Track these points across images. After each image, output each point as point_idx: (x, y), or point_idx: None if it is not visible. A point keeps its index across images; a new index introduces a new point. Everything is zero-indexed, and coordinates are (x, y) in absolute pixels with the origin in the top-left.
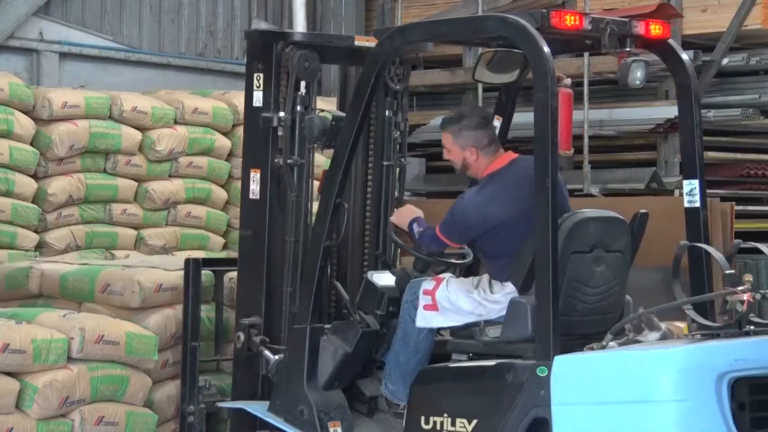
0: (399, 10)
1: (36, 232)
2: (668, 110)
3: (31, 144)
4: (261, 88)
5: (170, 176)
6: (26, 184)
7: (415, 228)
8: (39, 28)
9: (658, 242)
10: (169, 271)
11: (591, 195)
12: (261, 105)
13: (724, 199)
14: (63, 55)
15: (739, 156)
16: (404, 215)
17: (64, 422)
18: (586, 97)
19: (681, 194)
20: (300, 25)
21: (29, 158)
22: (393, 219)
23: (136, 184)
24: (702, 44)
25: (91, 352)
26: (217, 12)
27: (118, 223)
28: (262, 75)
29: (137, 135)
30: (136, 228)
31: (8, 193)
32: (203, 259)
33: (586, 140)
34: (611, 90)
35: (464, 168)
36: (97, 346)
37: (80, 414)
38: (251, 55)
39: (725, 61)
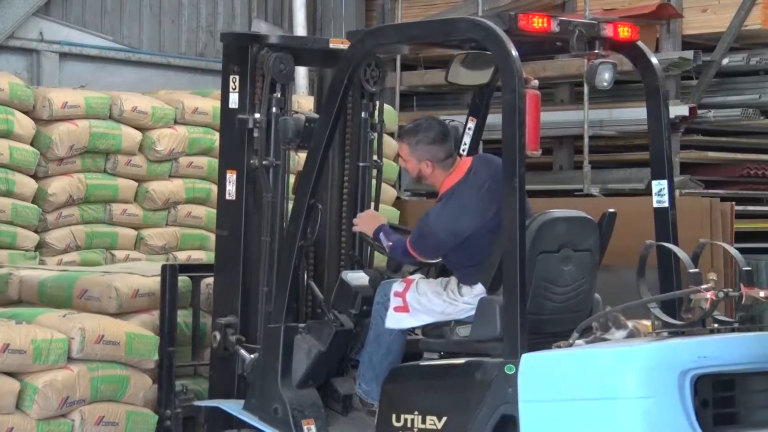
0: (399, 10)
1: (36, 232)
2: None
3: (32, 144)
4: (237, 90)
5: (170, 176)
6: (26, 184)
7: (384, 240)
8: (39, 28)
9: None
10: (147, 276)
11: (591, 195)
12: (237, 107)
13: (724, 199)
14: (63, 55)
15: (739, 156)
16: (368, 223)
17: (64, 422)
18: (586, 97)
19: (681, 194)
20: (300, 25)
21: (29, 158)
22: (357, 228)
23: (136, 184)
24: (702, 44)
25: (91, 352)
26: (217, 12)
27: (119, 223)
28: (237, 77)
29: (137, 135)
30: (136, 228)
31: (8, 193)
32: (180, 265)
33: (586, 140)
34: (611, 90)
35: (419, 178)
36: (97, 346)
37: (80, 414)
38: (227, 58)
39: (725, 61)
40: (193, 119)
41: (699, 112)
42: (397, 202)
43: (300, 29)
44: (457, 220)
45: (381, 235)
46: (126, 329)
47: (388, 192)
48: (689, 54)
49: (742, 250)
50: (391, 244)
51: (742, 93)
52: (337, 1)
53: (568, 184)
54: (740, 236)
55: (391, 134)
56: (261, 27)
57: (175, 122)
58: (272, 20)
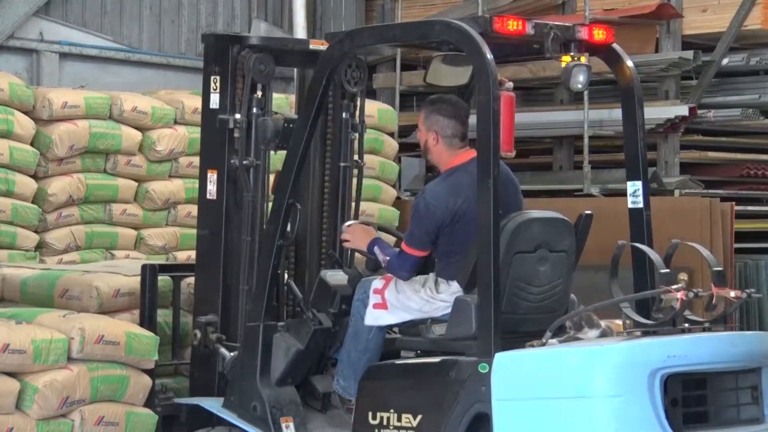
0: (399, 10)
1: (36, 232)
2: (668, 110)
3: (32, 144)
4: (217, 90)
5: (170, 176)
6: (26, 184)
7: (379, 255)
8: (39, 28)
9: (658, 241)
10: (128, 276)
11: (591, 195)
12: (217, 107)
13: (724, 199)
14: (63, 55)
15: (739, 156)
16: (360, 237)
17: (64, 422)
18: (586, 97)
19: (681, 194)
20: (300, 25)
21: (29, 158)
22: (348, 244)
23: (136, 184)
24: (702, 44)
25: (91, 352)
26: (217, 12)
27: (118, 224)
28: (218, 78)
29: (137, 135)
30: (136, 228)
31: (8, 193)
32: (160, 265)
33: (586, 140)
34: (611, 90)
35: (426, 151)
36: (97, 346)
37: (80, 414)
38: (208, 58)
39: (725, 61)
40: (193, 119)
41: (699, 112)
42: (397, 202)
43: (300, 29)
44: (450, 196)
45: (376, 249)
46: (126, 329)
47: (388, 192)
48: (689, 54)
49: (742, 250)
50: (388, 258)
51: (742, 93)
52: (337, 1)
53: (568, 184)
54: (740, 236)
55: (391, 134)
56: (261, 27)
57: (175, 122)
58: (272, 20)
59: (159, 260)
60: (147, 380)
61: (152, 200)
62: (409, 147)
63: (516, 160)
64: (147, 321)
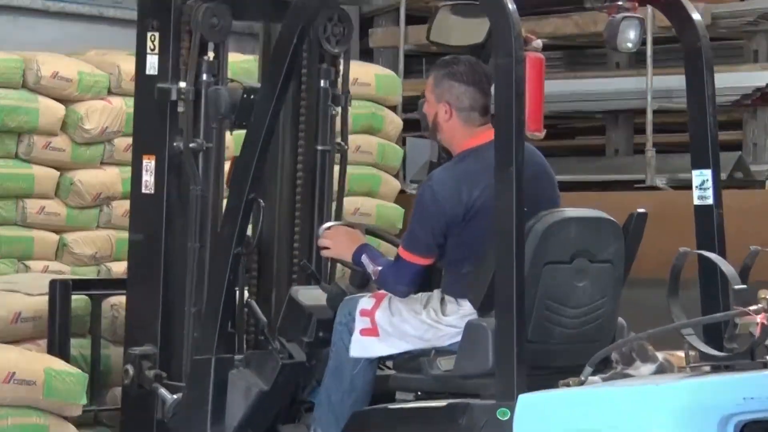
0: None
1: None
2: (758, 76)
3: None
4: (156, 51)
5: (102, 163)
6: None
7: (368, 265)
8: None
9: (741, 248)
10: (31, 295)
11: (656, 187)
12: (156, 73)
13: None
14: None
15: None
16: (343, 244)
17: None
18: (649, 60)
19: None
20: None
21: None
22: (328, 252)
23: (57, 173)
24: None
25: None
26: None
27: (34, 225)
28: (157, 35)
29: (59, 109)
30: (57, 231)
31: None
32: (74, 281)
33: (649, 116)
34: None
35: (434, 128)
36: (6, 386)
37: None
38: (143, 10)
39: None
40: (132, 89)
41: None
42: (401, 197)
43: None
44: (463, 183)
45: (363, 258)
46: (45, 364)
47: (390, 184)
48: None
49: None
50: (379, 268)
51: None
52: None
53: (626, 173)
54: None
55: (393, 108)
56: None
57: (109, 92)
58: None
59: (87, 273)
60: (72, 431)
61: (79, 195)
62: (417, 125)
63: (557, 142)
64: (57, 353)
